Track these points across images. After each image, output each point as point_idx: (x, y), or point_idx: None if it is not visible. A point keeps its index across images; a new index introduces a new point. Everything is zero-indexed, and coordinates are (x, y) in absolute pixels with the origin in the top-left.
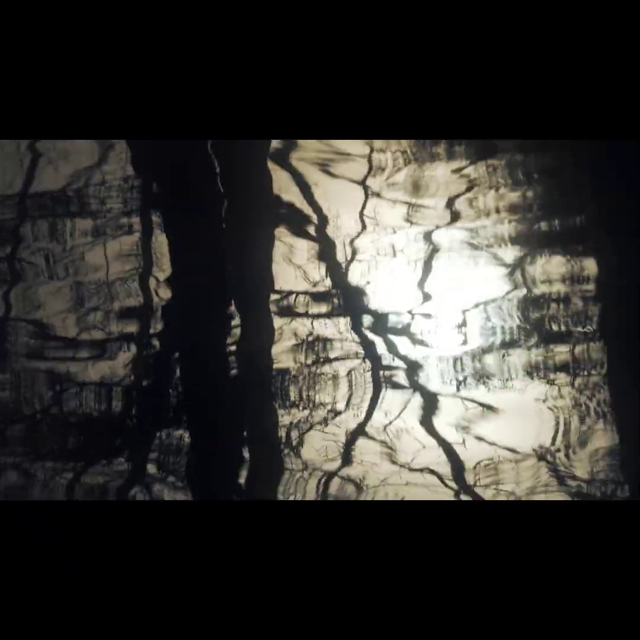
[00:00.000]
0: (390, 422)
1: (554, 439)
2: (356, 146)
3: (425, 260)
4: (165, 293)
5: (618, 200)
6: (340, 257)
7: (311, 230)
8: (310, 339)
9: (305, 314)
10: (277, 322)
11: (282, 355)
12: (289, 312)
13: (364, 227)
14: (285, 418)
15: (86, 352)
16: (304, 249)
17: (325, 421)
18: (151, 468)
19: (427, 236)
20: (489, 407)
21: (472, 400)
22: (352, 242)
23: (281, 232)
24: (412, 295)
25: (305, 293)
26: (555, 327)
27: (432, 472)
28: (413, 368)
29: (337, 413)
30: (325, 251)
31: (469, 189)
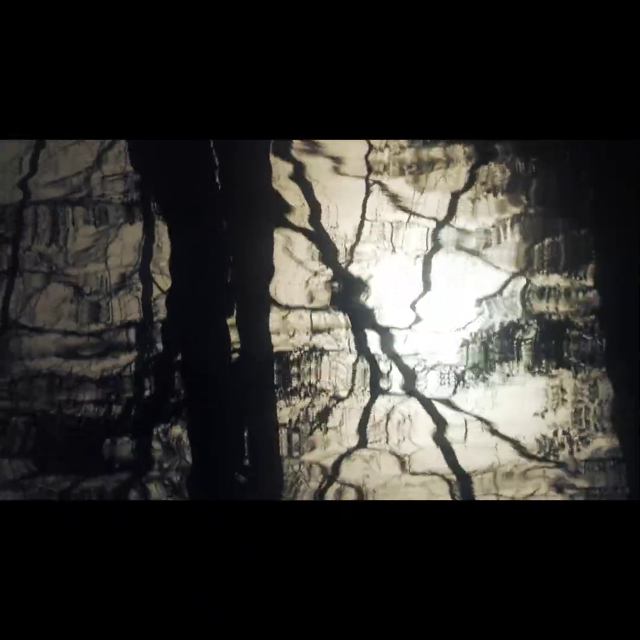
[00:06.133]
0: (389, 421)
1: (555, 439)
2: (355, 144)
3: (423, 262)
4: (165, 285)
5: (619, 202)
6: (341, 254)
7: (310, 226)
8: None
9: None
10: (276, 314)
11: (281, 347)
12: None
13: (362, 228)
14: (284, 411)
15: (86, 349)
16: (303, 245)
17: (325, 416)
18: (151, 467)
19: (427, 255)
20: (486, 421)
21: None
22: (352, 247)
23: (281, 230)
24: (412, 291)
25: (305, 283)
26: (554, 325)
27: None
28: (411, 369)
29: (339, 399)
30: (325, 247)
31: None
